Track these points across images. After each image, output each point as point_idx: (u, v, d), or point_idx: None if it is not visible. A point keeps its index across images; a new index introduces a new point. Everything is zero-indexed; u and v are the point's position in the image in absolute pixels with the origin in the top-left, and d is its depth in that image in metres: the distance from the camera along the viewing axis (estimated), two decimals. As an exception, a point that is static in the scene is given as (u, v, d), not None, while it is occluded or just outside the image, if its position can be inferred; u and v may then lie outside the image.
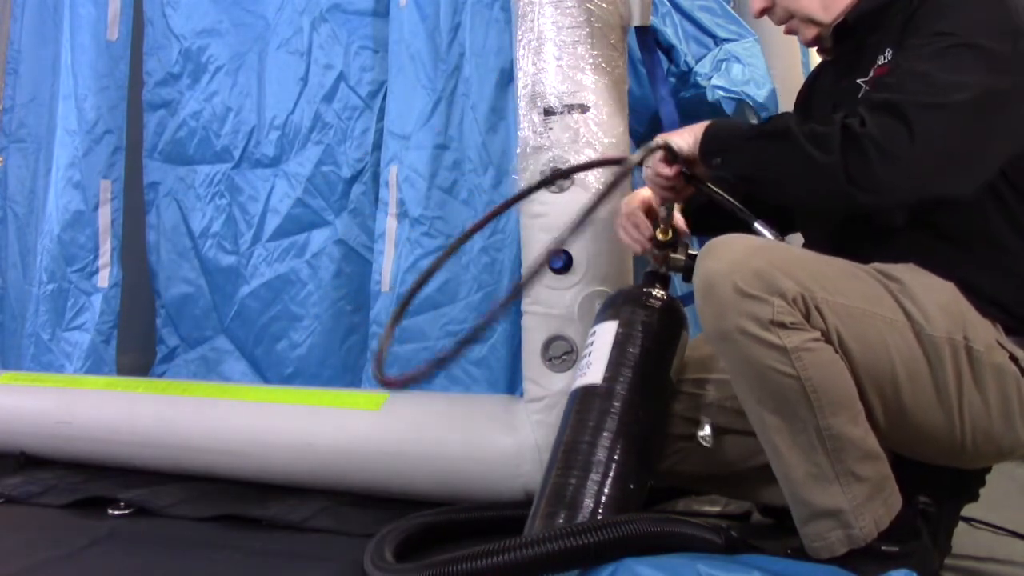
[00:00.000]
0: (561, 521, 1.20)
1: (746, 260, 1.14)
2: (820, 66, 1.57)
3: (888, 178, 1.12)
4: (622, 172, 1.33)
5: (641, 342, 1.35)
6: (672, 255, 1.47)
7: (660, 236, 1.46)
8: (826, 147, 1.14)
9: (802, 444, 1.14)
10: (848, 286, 1.17)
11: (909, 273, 1.21)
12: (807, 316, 1.13)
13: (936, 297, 1.18)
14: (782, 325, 1.12)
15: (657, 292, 1.42)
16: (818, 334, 1.13)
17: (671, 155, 1.34)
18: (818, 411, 1.12)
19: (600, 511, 1.21)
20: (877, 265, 1.22)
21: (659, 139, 1.36)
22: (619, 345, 1.34)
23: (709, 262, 1.17)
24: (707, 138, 1.30)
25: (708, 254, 1.18)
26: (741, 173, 1.29)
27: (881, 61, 1.30)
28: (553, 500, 1.24)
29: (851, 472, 1.14)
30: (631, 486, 1.26)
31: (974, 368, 1.17)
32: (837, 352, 1.14)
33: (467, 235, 1.58)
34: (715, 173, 1.32)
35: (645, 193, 1.49)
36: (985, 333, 1.19)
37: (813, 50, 1.51)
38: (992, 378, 1.18)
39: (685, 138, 1.33)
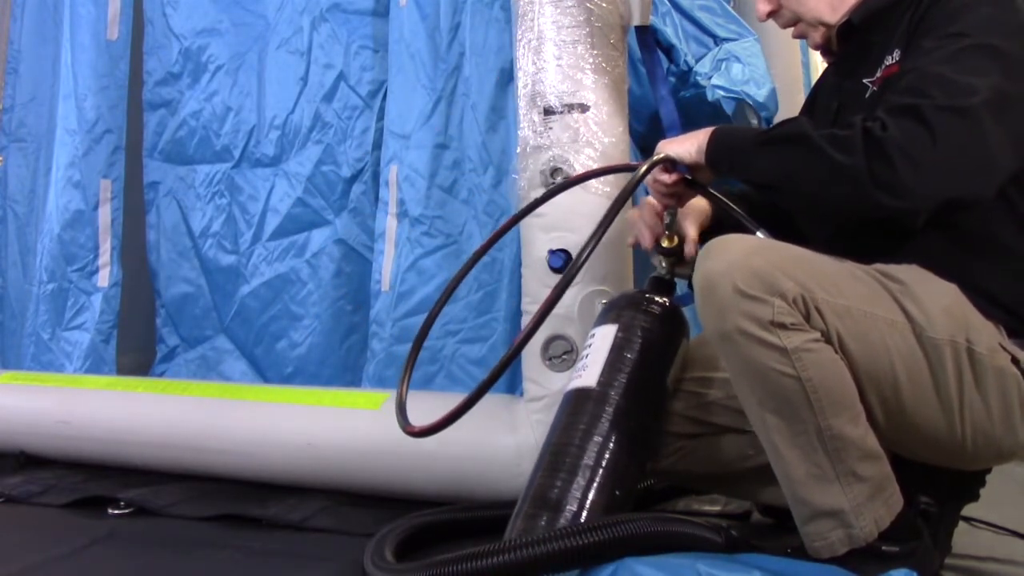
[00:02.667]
0: (543, 523, 1.20)
1: (746, 260, 1.14)
2: (824, 72, 1.57)
3: (913, 182, 1.11)
4: (630, 186, 1.33)
5: (639, 348, 1.34)
6: (679, 262, 1.46)
7: (665, 243, 1.46)
8: (849, 151, 1.13)
9: (803, 444, 1.14)
10: (848, 287, 1.17)
11: (911, 274, 1.20)
12: (807, 317, 1.13)
13: (938, 299, 1.18)
14: (782, 326, 1.11)
15: (659, 298, 1.41)
16: (818, 335, 1.13)
17: (670, 164, 1.35)
18: (819, 411, 1.12)
19: (583, 516, 1.21)
20: (879, 266, 1.22)
21: (659, 148, 1.36)
22: (617, 349, 1.33)
23: (709, 262, 1.17)
24: (714, 146, 1.30)
25: (708, 254, 1.18)
26: (757, 181, 1.29)
27: (889, 61, 1.29)
28: (537, 501, 1.23)
29: (852, 472, 1.13)
30: (617, 492, 1.25)
31: (975, 370, 1.17)
32: (837, 353, 1.14)
33: (487, 245, 1.56)
34: (723, 180, 1.31)
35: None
36: (987, 336, 1.19)
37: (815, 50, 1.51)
38: (993, 380, 1.18)
39: (686, 146, 1.33)
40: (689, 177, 1.37)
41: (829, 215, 1.33)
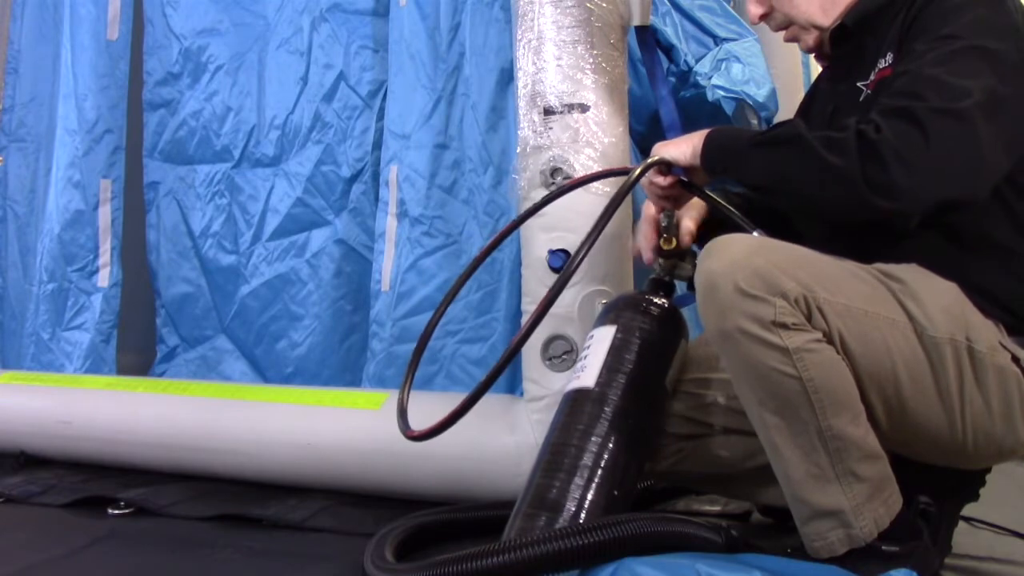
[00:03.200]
0: (542, 523, 1.20)
1: (747, 260, 1.14)
2: (819, 76, 1.57)
3: (907, 184, 1.11)
4: (624, 187, 1.33)
5: (638, 349, 1.33)
6: (679, 263, 1.45)
7: (664, 245, 1.45)
8: (843, 153, 1.14)
9: (803, 444, 1.14)
10: (850, 286, 1.17)
11: (911, 274, 1.21)
12: (808, 316, 1.13)
13: (938, 298, 1.18)
14: (784, 326, 1.11)
15: (658, 300, 1.41)
16: (820, 335, 1.13)
17: (665, 166, 1.35)
18: (819, 412, 1.12)
19: (582, 516, 1.21)
20: (879, 266, 1.22)
21: (655, 151, 1.37)
22: (615, 350, 1.33)
23: (710, 262, 1.17)
24: (709, 148, 1.30)
25: (709, 254, 1.18)
26: (751, 182, 1.29)
27: (882, 64, 1.30)
28: (536, 501, 1.24)
29: (852, 472, 1.13)
30: (615, 492, 1.25)
31: (976, 369, 1.17)
32: (839, 353, 1.14)
33: (488, 249, 1.56)
34: (719, 182, 1.31)
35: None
36: (987, 334, 1.19)
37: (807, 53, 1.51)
38: (994, 379, 1.18)
39: (682, 148, 1.33)
40: (685, 179, 1.38)
41: (823, 216, 1.33)
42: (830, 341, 1.13)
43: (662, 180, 1.38)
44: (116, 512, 1.79)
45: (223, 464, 1.96)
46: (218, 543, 1.59)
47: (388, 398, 1.85)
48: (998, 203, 1.24)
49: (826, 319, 1.13)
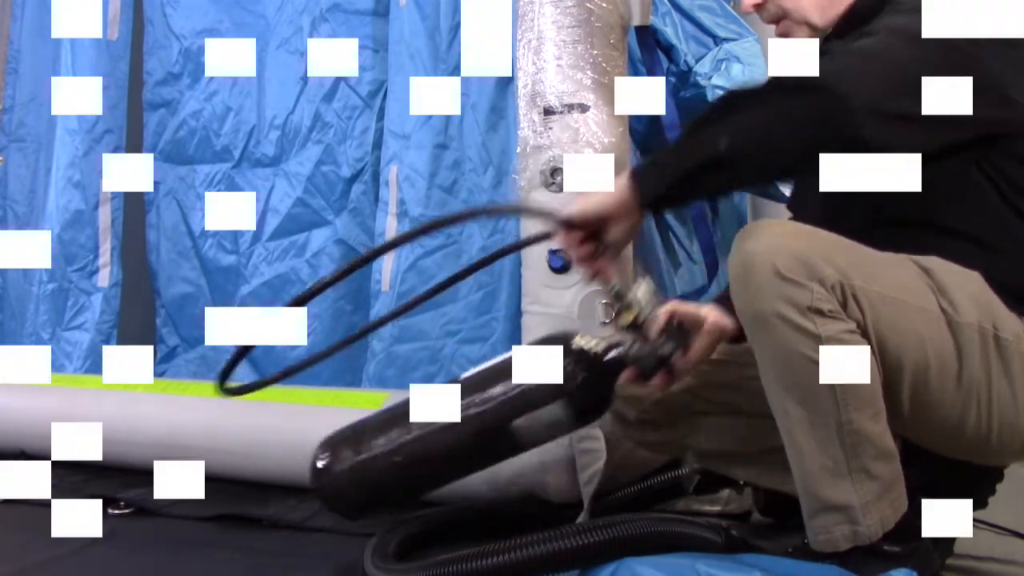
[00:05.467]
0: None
1: (787, 244, 1.12)
2: None
3: (834, 71, 1.09)
4: (507, 251, 1.27)
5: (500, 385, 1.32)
6: (639, 339, 1.23)
7: (622, 318, 1.23)
8: (771, 80, 1.12)
9: (820, 437, 1.13)
10: (886, 274, 1.15)
11: (937, 264, 1.19)
12: (844, 304, 1.11)
13: (966, 285, 1.18)
14: (820, 312, 1.10)
15: (567, 359, 1.26)
16: (854, 325, 1.11)
17: (567, 227, 1.19)
18: (842, 404, 1.11)
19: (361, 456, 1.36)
20: (905, 256, 1.22)
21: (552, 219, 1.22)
22: (486, 373, 1.38)
23: (749, 243, 1.14)
24: (639, 178, 1.17)
25: (747, 236, 1.16)
26: (707, 159, 1.14)
27: None
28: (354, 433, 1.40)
29: (865, 469, 1.13)
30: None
31: (1002, 356, 1.16)
32: (870, 346, 1.13)
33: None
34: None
35: None
36: (1012, 323, 1.18)
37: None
38: (1019, 367, 1.17)
39: (598, 196, 1.18)
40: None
41: (779, 163, 1.20)
42: (864, 333, 1.12)
43: (583, 247, 1.21)
44: (116, 512, 1.79)
45: (223, 464, 1.96)
46: (218, 543, 1.60)
47: (388, 398, 1.85)
48: (1005, 200, 1.24)
49: (861, 308, 1.12)
